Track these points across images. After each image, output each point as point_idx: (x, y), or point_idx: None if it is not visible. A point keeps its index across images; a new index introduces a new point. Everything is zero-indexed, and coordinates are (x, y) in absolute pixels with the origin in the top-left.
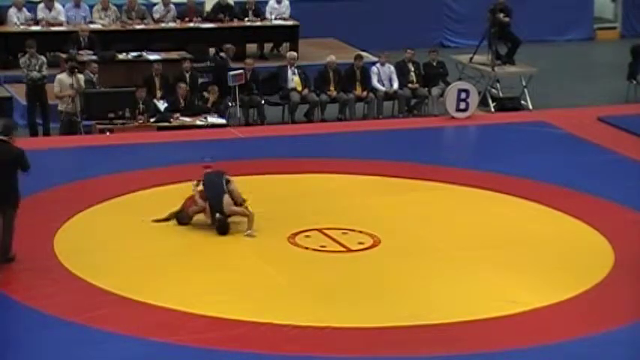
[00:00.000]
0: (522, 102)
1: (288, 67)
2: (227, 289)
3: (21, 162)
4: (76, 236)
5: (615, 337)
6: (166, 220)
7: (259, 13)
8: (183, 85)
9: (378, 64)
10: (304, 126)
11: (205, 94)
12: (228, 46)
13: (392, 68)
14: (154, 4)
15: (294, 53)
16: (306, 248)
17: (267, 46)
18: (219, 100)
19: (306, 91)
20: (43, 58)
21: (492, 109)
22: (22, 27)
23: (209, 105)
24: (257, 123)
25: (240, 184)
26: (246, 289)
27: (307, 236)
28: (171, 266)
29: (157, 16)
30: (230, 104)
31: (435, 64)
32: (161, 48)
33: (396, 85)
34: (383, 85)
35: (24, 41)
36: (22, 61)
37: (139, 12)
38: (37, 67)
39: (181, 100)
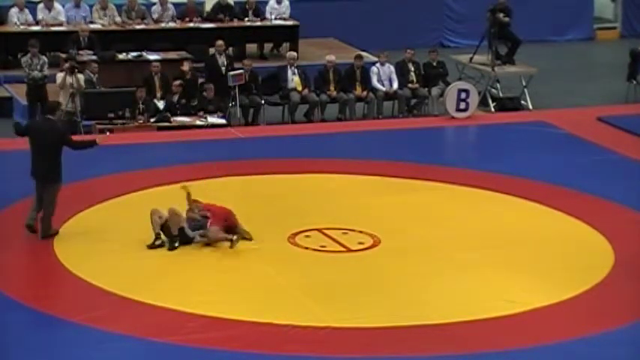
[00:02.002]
0: (522, 102)
1: (288, 67)
2: (227, 289)
3: (65, 139)
4: (76, 236)
5: (615, 337)
6: None
7: (259, 13)
8: (178, 82)
9: (377, 64)
10: (304, 126)
11: (204, 93)
12: (219, 42)
13: (392, 68)
14: (154, 4)
15: (294, 53)
16: (306, 248)
17: (267, 46)
18: (215, 98)
19: (306, 91)
20: (44, 58)
21: (492, 109)
22: (22, 27)
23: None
24: (255, 123)
25: (241, 184)
26: (246, 289)
27: (307, 236)
28: (171, 266)
29: (155, 16)
30: (230, 104)
31: (435, 64)
32: (161, 48)
33: (395, 85)
34: (383, 85)
35: (24, 41)
36: (23, 60)
37: (138, 12)
38: (38, 67)
39: (175, 98)
